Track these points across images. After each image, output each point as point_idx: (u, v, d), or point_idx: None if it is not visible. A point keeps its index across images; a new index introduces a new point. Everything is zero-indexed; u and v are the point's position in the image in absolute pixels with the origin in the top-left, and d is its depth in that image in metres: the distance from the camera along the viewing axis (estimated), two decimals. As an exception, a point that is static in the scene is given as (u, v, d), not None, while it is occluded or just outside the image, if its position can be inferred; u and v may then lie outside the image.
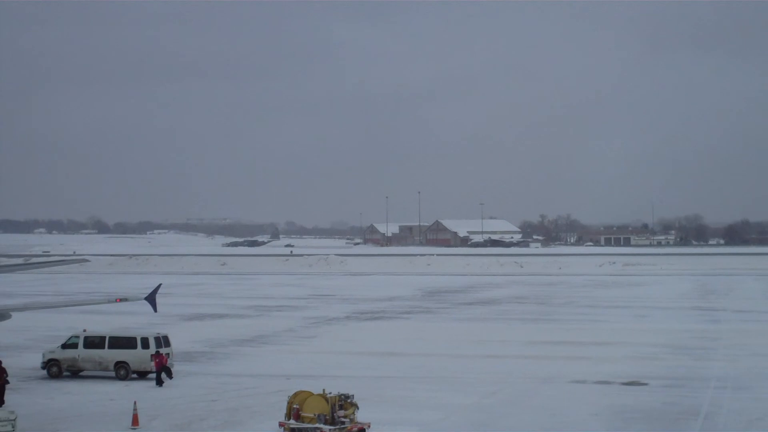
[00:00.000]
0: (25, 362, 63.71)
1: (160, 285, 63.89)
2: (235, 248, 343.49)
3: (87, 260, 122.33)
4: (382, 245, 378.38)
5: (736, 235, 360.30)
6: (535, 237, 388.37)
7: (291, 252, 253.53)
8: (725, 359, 65.12)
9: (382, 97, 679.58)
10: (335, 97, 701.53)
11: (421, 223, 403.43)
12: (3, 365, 50.24)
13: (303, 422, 40.42)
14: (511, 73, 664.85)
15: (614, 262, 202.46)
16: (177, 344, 62.57)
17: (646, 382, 55.19)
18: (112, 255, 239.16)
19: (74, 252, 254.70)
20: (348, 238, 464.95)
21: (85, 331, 60.52)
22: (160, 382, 54.94)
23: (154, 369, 56.85)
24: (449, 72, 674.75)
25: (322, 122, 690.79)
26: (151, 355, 56.74)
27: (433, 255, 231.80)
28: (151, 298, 61.69)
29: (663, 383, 55.04)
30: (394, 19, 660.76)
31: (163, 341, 58.66)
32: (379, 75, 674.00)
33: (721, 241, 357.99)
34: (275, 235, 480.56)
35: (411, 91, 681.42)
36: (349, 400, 41.49)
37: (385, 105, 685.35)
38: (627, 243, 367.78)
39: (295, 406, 40.97)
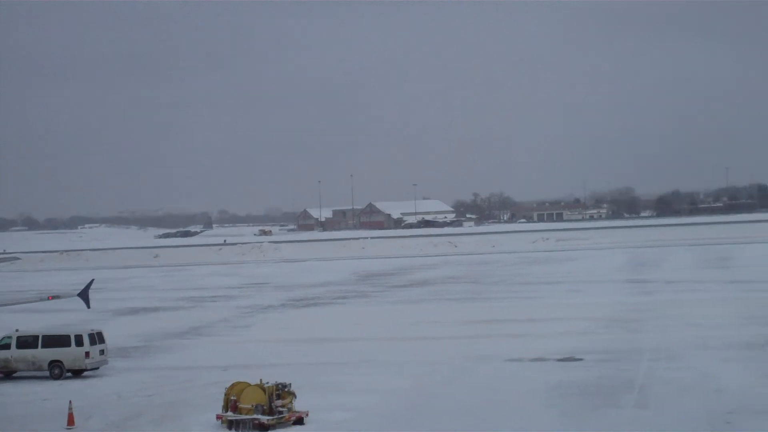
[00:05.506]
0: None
1: (92, 280, 63.38)
2: (167, 239, 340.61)
3: (17, 258, 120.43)
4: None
5: (667, 206, 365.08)
6: (468, 216, 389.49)
7: (224, 241, 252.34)
8: (658, 330, 66.01)
9: (313, 83, 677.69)
10: (266, 86, 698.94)
11: (355, 207, 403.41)
12: None
13: (241, 414, 40.29)
14: (441, 54, 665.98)
15: (547, 239, 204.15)
16: (111, 340, 61.85)
17: (581, 358, 55.77)
18: (43, 252, 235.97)
19: (4, 250, 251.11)
20: (282, 224, 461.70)
21: (17, 330, 59.59)
22: None
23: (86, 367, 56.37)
24: (382, 57, 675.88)
25: (254, 110, 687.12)
26: None
27: (367, 238, 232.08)
28: (83, 295, 61.17)
29: (598, 357, 55.65)
30: (324, 6, 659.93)
31: (97, 338, 58.04)
32: (309, 62, 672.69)
33: (653, 213, 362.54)
34: (208, 225, 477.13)
35: (343, 77, 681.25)
36: (286, 389, 41.43)
37: (317, 91, 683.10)
38: (560, 218, 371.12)
39: (232, 397, 40.83)
